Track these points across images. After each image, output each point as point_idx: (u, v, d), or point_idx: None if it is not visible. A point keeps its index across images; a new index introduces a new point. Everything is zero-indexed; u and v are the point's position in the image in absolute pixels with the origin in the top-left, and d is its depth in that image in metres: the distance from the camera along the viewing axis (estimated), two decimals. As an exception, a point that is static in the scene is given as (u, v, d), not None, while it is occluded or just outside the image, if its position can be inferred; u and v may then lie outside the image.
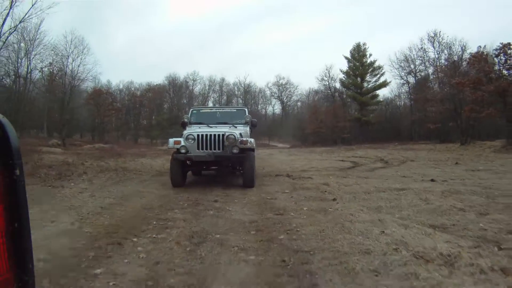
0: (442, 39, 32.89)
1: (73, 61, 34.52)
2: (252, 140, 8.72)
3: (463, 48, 29.92)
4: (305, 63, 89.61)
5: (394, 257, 2.91)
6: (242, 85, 59.82)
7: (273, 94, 61.10)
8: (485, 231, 3.76)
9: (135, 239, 3.61)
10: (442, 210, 4.90)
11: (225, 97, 59.09)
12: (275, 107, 62.63)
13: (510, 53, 18.96)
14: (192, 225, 4.20)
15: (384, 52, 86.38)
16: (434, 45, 32.53)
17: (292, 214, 4.75)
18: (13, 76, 17.23)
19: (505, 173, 9.80)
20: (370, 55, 41.27)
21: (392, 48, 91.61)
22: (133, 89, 52.77)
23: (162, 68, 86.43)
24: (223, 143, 8.17)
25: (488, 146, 19.25)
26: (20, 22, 17.82)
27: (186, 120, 10.25)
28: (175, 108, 48.61)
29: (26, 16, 17.61)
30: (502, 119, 19.89)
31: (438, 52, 32.68)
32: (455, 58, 28.80)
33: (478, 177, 8.71)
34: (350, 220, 4.34)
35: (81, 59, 35.00)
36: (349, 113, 41.54)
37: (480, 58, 20.47)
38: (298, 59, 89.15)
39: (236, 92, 61.09)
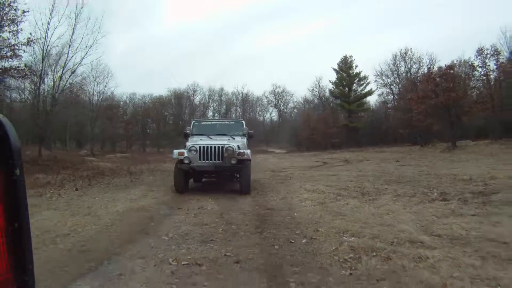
0: (413, 55, 38.31)
1: (98, 84, 39.70)
2: (249, 151, 9.85)
3: (431, 62, 34.93)
4: (301, 69, 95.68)
5: (313, 195, 8.03)
6: (240, 94, 64.04)
7: (270, 102, 65.62)
8: (348, 187, 8.90)
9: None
10: (341, 181, 10.08)
11: (224, 106, 63.34)
12: (273, 114, 66.98)
13: (454, 75, 24.54)
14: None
15: (380, 56, 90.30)
16: (406, 60, 37.88)
17: (267, 187, 9.72)
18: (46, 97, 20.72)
19: (419, 166, 14.87)
20: (356, 66, 46.44)
21: (388, 51, 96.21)
22: (136, 100, 56.43)
23: (160, 77, 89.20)
24: (222, 155, 9.20)
25: (439, 147, 24.51)
26: (77, 65, 21.85)
27: (188, 131, 11.27)
28: (182, 120, 52.92)
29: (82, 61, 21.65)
30: (447, 127, 25.35)
31: (408, 67, 38.12)
32: (424, 70, 33.59)
33: (394, 169, 13.82)
34: (298, 187, 9.42)
35: (105, 84, 40.21)
36: (338, 120, 46.25)
37: (428, 77, 25.97)
38: (294, 66, 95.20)
39: (235, 101, 65.21)
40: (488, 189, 7.65)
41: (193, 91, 61.38)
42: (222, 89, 63.42)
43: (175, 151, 9.57)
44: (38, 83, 19.10)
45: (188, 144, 9.84)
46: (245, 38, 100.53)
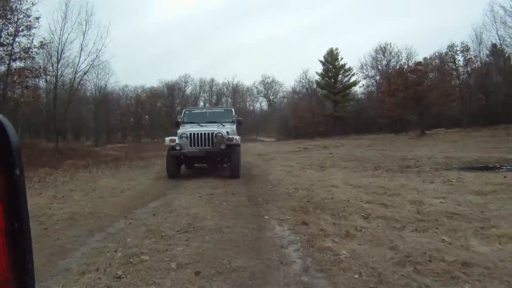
0: (392, 49, 41.68)
1: (99, 80, 42.52)
2: (238, 137, 10.43)
3: (409, 56, 38.43)
4: (290, 58, 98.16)
5: (285, 168, 11.18)
6: (231, 85, 66.86)
7: (259, 92, 68.95)
8: (313, 164, 12.05)
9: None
10: (310, 160, 13.25)
11: (215, 97, 65.71)
12: (262, 104, 70.45)
13: (422, 70, 28.10)
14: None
15: (368, 46, 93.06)
16: (385, 54, 41.23)
17: (253, 165, 12.79)
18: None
19: (383, 150, 18.03)
20: (342, 58, 49.48)
21: (376, 42, 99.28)
22: (128, 92, 58.40)
23: (151, 68, 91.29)
24: (212, 140, 9.63)
25: (410, 135, 27.96)
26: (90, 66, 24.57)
27: (179, 120, 11.72)
28: (175, 111, 54.71)
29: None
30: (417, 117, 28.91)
31: (387, 61, 41.50)
32: (402, 64, 36.98)
33: (359, 152, 17.04)
34: (276, 164, 12.52)
35: (106, 79, 43.07)
36: (325, 110, 49.22)
37: (399, 72, 29.46)
38: (284, 56, 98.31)
39: (225, 92, 67.86)
40: (414, 165, 10.83)
41: (184, 83, 63.70)
42: (212, 80, 65.86)
43: (167, 139, 10.13)
44: (55, 83, 21.99)
45: (179, 131, 10.37)
46: (235, 29, 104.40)
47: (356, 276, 2.77)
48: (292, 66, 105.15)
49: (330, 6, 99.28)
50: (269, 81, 67.64)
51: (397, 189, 6.48)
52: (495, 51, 32.19)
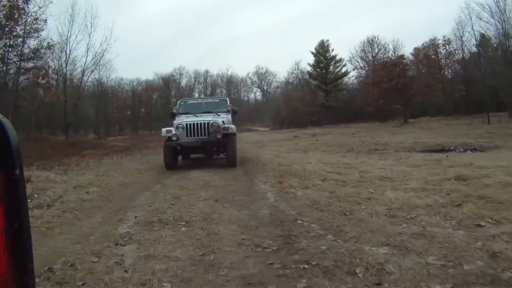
0: (380, 41, 43.97)
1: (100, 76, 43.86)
2: (234, 126, 10.68)
3: (395, 48, 40.91)
4: (284, 49, 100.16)
5: (274, 152, 13.52)
6: (225, 76, 68.70)
7: (253, 83, 71.03)
8: (298, 148, 14.43)
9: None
10: (296, 146, 15.65)
11: (209, 88, 67.44)
12: (257, 94, 72.65)
13: (404, 63, 30.62)
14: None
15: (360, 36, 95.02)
16: (373, 46, 43.50)
17: (247, 151, 14.94)
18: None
19: (364, 137, 20.37)
20: (333, 49, 51.57)
21: (367, 32, 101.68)
22: (124, 85, 59.42)
23: (145, 61, 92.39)
24: (208, 130, 9.87)
25: (394, 124, 30.45)
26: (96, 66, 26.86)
27: (175, 111, 11.85)
28: (171, 103, 56.34)
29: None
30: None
31: (374, 53, 43.67)
32: (387, 58, 39.29)
33: (342, 139, 19.42)
34: (267, 150, 14.82)
35: (107, 76, 44.74)
36: (317, 100, 51.37)
37: (383, 65, 31.95)
38: (277, 46, 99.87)
39: (220, 83, 69.70)
40: (382, 148, 13.23)
41: (179, 75, 65.61)
42: (207, 72, 67.66)
43: (163, 129, 10.47)
44: (64, 81, 24.24)
45: (175, 122, 10.66)
46: (228, 20, 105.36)
47: (303, 202, 5.09)
48: (286, 56, 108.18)
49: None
50: (262, 72, 69.48)
51: (356, 165, 8.80)
52: (484, 41, 34.54)
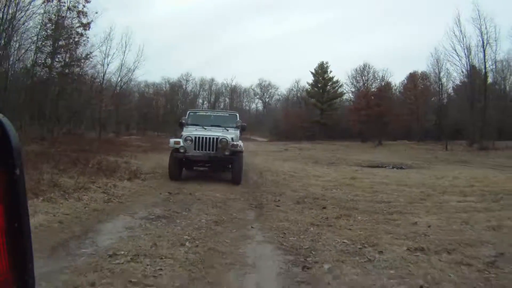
0: (370, 70, 50.79)
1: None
2: (242, 143, 11.04)
3: (383, 77, 47.80)
4: (288, 62, 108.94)
5: (262, 160, 20.13)
6: (229, 86, 75.21)
7: (256, 94, 78.02)
8: (282, 158, 21.07)
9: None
10: (282, 156, 22.35)
11: (213, 96, 74.46)
12: (258, 105, 79.59)
13: (381, 95, 37.67)
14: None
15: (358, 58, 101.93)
16: (363, 74, 50.34)
17: (246, 158, 21.58)
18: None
19: (339, 154, 27.05)
20: (331, 71, 58.33)
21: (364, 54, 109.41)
22: (132, 87, 62.50)
23: (153, 63, 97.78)
24: (216, 146, 10.25)
25: (370, 145, 37.31)
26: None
27: (184, 121, 12.22)
28: (178, 108, 63.10)
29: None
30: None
31: (364, 81, 50.47)
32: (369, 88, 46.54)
33: (321, 154, 26.06)
34: (258, 158, 21.39)
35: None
36: (313, 116, 57.79)
37: (364, 94, 38.93)
38: (282, 58, 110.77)
39: (224, 92, 76.39)
40: (339, 162, 19.84)
41: (186, 81, 71.17)
42: (212, 80, 73.81)
43: (172, 140, 10.67)
44: (101, 89, 31.04)
45: (184, 133, 10.86)
46: (237, 28, 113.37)
47: (269, 180, 11.63)
48: (289, 69, 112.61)
49: (327, 13, 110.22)
50: (265, 85, 76.57)
51: (309, 170, 15.34)
52: (474, 72, 40.75)
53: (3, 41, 21.67)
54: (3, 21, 21.29)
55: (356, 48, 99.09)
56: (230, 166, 10.87)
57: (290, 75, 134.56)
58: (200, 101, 72.73)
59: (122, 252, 4.12)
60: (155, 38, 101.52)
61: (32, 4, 22.78)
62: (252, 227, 5.76)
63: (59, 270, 3.51)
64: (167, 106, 66.58)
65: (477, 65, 34.97)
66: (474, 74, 34.81)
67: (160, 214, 6.14)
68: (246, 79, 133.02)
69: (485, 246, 4.81)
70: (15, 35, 22.63)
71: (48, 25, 24.66)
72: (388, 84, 44.67)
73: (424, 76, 40.66)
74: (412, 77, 41.57)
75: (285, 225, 5.81)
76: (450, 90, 41.68)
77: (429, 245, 4.78)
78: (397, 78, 60.79)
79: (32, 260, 0.93)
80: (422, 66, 73.27)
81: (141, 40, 74.63)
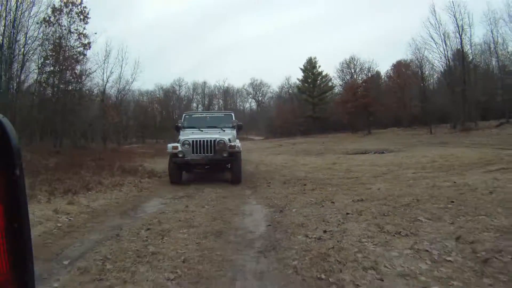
0: (357, 62, 53.27)
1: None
2: (239, 143, 11.41)
3: (369, 68, 50.41)
4: (279, 58, 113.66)
5: (257, 156, 22.65)
6: (222, 88, 77.89)
7: (249, 93, 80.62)
8: (275, 153, 23.60)
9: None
10: (275, 151, 24.95)
11: (207, 99, 76.95)
12: (252, 104, 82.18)
13: (365, 86, 40.18)
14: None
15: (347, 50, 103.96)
16: (350, 67, 52.81)
17: (242, 155, 24.05)
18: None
19: (329, 144, 29.65)
20: (319, 66, 60.79)
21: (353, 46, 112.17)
22: (127, 97, 67.58)
23: (144, 70, 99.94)
24: (214, 148, 10.46)
25: (359, 134, 39.87)
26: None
27: (180, 124, 12.48)
28: (172, 113, 65.54)
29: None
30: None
31: (351, 74, 52.99)
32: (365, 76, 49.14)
33: (312, 146, 28.60)
34: (254, 154, 23.88)
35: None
36: (305, 111, 59.94)
37: (351, 87, 41.49)
38: (272, 56, 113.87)
39: (217, 94, 78.90)
40: (327, 152, 22.36)
41: (178, 86, 73.83)
42: (205, 83, 76.60)
43: (169, 145, 10.81)
44: (102, 101, 33.54)
45: (181, 138, 11.04)
46: (224, 30, 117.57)
47: (263, 170, 14.10)
48: (279, 67, 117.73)
49: (312, 8, 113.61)
50: (257, 84, 79.17)
51: (298, 160, 17.84)
52: (460, 55, 43.06)
53: (4, 65, 24.05)
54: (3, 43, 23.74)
55: (344, 40, 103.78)
56: (229, 166, 11.10)
57: (281, 72, 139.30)
58: (194, 105, 75.07)
59: (167, 211, 6.75)
60: (143, 45, 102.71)
61: (31, 28, 25.38)
62: (248, 198, 8.32)
63: (132, 221, 6.02)
64: (163, 112, 68.51)
65: (454, 51, 37.29)
66: (457, 59, 37.15)
67: (182, 195, 8.62)
68: (238, 80, 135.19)
69: (409, 197, 7.12)
70: (16, 57, 24.91)
71: (48, 46, 27.22)
72: (378, 73, 48.10)
73: (407, 64, 43.08)
74: (397, 66, 44.02)
75: (272, 196, 8.30)
76: (435, 76, 44.22)
77: (368, 198, 7.21)
78: (387, 66, 63.32)
79: (32, 260, 0.94)
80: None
81: (132, 50, 76.55)
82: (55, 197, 7.53)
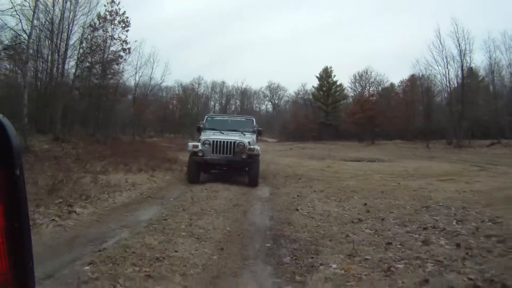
0: (371, 74, 57.80)
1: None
2: (258, 147, 11.88)
3: (380, 82, 55.02)
4: (297, 62, 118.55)
5: (269, 156, 27.43)
6: (240, 88, 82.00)
7: (265, 96, 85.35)
8: (285, 155, 28.34)
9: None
10: (285, 154, 29.69)
11: (224, 98, 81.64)
12: (268, 106, 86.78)
13: (371, 100, 44.68)
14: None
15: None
16: (362, 79, 57.39)
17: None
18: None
19: (333, 152, 34.20)
20: (334, 75, 65.71)
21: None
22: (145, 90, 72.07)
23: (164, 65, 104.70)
24: (234, 149, 11.05)
25: (364, 144, 44.40)
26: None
27: (201, 125, 13.11)
28: (192, 111, 69.77)
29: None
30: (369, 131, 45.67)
31: (362, 86, 57.59)
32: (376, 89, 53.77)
33: (318, 152, 33.23)
34: (266, 156, 28.56)
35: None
36: (319, 118, 64.75)
37: (358, 100, 46.05)
38: (291, 59, 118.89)
39: (234, 94, 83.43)
40: (328, 158, 27.01)
41: (198, 84, 77.59)
42: (223, 83, 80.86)
43: (190, 144, 11.47)
44: (134, 98, 38.67)
45: (202, 138, 11.57)
46: (245, 28, 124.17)
47: (272, 169, 18.72)
48: (296, 72, 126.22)
49: (334, 12, 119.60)
50: (274, 87, 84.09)
51: (301, 162, 22.45)
52: (472, 73, 46.11)
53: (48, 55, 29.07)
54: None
55: (362, 47, 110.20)
56: (246, 169, 11.79)
57: (298, 75, 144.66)
58: (212, 103, 79.88)
59: (213, 184, 11.37)
60: (164, 40, 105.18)
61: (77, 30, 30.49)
62: (260, 183, 12.84)
63: (193, 186, 10.78)
64: (181, 109, 72.64)
65: (454, 73, 41.81)
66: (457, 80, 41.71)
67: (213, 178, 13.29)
68: (256, 81, 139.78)
69: (359, 188, 11.58)
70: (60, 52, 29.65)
71: (87, 45, 32.05)
72: (392, 85, 53.48)
73: (415, 80, 47.48)
74: (410, 80, 48.75)
75: (275, 183, 12.97)
76: (441, 94, 48.52)
77: (334, 187, 11.80)
78: (402, 76, 67.93)
79: (32, 260, 0.97)
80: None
81: (149, 44, 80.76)
82: (140, 172, 12.31)
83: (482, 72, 43.06)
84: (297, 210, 7.88)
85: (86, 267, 3.98)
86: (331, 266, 4.34)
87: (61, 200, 7.02)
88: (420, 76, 45.82)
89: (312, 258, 4.71)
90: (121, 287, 3.53)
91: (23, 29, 22.54)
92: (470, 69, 43.60)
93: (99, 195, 8.15)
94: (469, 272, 3.97)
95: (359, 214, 7.50)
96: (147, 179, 11.16)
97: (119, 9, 32.37)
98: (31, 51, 23.86)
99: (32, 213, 5.74)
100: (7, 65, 28.21)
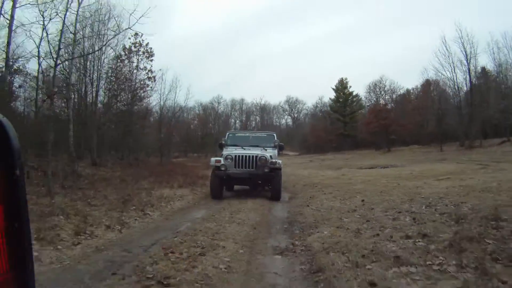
0: (385, 82, 60.17)
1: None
2: (280, 161, 12.23)
3: (394, 90, 57.43)
4: (315, 75, 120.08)
5: (288, 169, 30.11)
6: (259, 105, 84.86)
7: (285, 110, 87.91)
8: (304, 167, 30.97)
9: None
10: (305, 166, 32.38)
11: (245, 116, 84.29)
12: (288, 120, 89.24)
13: (385, 109, 47.15)
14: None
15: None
16: (376, 90, 59.81)
17: None
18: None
19: (350, 161, 36.67)
20: (350, 86, 68.10)
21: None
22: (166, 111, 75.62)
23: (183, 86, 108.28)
24: (256, 163, 11.35)
25: (380, 152, 46.70)
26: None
27: (223, 142, 13.59)
28: (212, 130, 72.36)
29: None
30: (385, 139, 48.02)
31: (377, 95, 60.08)
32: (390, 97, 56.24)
33: (335, 162, 35.77)
34: (287, 168, 31.24)
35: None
36: (337, 129, 66.88)
37: (372, 110, 48.50)
38: (308, 73, 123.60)
39: (254, 111, 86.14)
40: (343, 167, 29.53)
41: (217, 103, 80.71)
42: (242, 100, 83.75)
43: (213, 159, 11.92)
44: (160, 120, 41.91)
45: (225, 153, 11.97)
46: (260, 43, 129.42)
47: (292, 179, 21.34)
48: (314, 80, 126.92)
49: (346, 23, 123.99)
50: (293, 101, 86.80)
51: (319, 173, 25.09)
52: (485, 73, 47.59)
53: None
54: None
55: (376, 54, 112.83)
56: (269, 184, 12.29)
57: (315, 89, 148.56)
58: (232, 121, 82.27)
59: (240, 193, 14.15)
60: (180, 59, 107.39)
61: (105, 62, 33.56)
62: (282, 192, 15.08)
63: (215, 204, 13.39)
64: (203, 128, 75.11)
65: (463, 76, 44.11)
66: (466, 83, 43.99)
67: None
68: (274, 96, 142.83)
69: (364, 189, 14.17)
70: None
71: (113, 74, 34.90)
72: (408, 91, 56.27)
73: (429, 85, 49.87)
74: (424, 86, 51.36)
75: (293, 190, 15.74)
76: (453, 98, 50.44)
77: (343, 190, 14.39)
78: (414, 82, 70.45)
79: (32, 260, 0.97)
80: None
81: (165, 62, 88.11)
82: (181, 188, 15.06)
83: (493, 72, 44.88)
84: (308, 206, 10.57)
85: (175, 238, 6.71)
86: (323, 232, 6.93)
87: (134, 207, 9.71)
88: (433, 81, 48.45)
89: (313, 229, 7.38)
90: (199, 243, 6.23)
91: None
92: (483, 69, 45.95)
93: (159, 204, 10.77)
94: (408, 231, 6.42)
95: (356, 207, 9.76)
96: (189, 192, 13.92)
97: (143, 40, 35.40)
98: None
99: (120, 215, 8.57)
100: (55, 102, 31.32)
